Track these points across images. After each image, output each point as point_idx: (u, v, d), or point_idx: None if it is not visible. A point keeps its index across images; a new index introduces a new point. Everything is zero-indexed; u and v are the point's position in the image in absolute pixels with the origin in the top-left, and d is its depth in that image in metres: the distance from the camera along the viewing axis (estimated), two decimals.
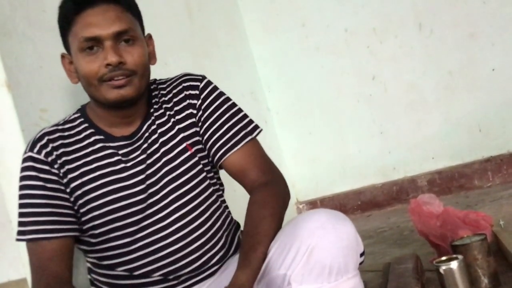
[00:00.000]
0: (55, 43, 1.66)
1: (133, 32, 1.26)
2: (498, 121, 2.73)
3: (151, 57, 1.33)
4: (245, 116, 1.37)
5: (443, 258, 1.46)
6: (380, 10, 2.89)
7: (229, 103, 1.37)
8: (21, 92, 1.56)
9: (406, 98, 2.90)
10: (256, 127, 1.37)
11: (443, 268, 1.41)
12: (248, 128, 1.35)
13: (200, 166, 1.33)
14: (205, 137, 1.34)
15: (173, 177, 1.30)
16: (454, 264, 1.40)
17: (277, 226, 1.23)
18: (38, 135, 1.30)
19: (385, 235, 2.43)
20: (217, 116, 1.34)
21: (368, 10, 2.91)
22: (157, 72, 2.34)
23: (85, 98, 1.43)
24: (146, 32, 1.35)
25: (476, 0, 2.71)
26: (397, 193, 2.92)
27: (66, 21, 1.26)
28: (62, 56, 1.32)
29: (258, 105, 3.06)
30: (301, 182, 3.13)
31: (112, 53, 1.22)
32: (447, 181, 2.80)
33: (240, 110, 1.37)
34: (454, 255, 1.46)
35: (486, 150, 2.76)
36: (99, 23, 1.22)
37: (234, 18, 3.11)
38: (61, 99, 1.67)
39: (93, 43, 1.23)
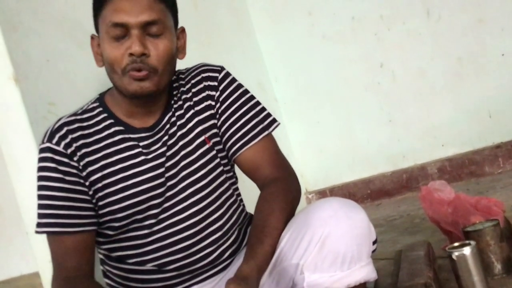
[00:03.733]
0: (61, 36, 1.66)
1: (162, 24, 1.22)
2: (508, 107, 2.70)
3: (179, 51, 1.31)
4: (263, 109, 1.36)
5: (456, 244, 1.44)
6: None
7: (248, 95, 1.35)
8: (28, 85, 1.56)
9: (415, 86, 2.87)
10: (274, 121, 1.35)
11: (456, 254, 1.40)
12: (265, 123, 1.34)
13: (218, 160, 1.32)
14: (222, 130, 1.33)
15: (191, 171, 1.29)
16: (467, 250, 1.39)
17: (286, 220, 1.22)
18: (57, 125, 1.27)
19: (395, 223, 2.42)
20: (235, 109, 1.33)
21: None
22: None
23: (93, 92, 1.42)
24: (184, 27, 1.33)
25: None
26: (407, 181, 2.90)
27: (99, 3, 1.23)
28: (92, 38, 1.29)
29: (266, 95, 3.05)
30: (310, 172, 3.12)
31: (136, 42, 1.19)
32: (457, 168, 2.78)
33: (258, 103, 1.36)
34: (467, 241, 1.45)
35: (496, 136, 2.73)
36: (129, 9, 1.19)
37: (240, 7, 3.09)
38: (69, 92, 1.67)
39: (120, 29, 1.20)
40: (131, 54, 1.20)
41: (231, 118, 1.32)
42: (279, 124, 1.36)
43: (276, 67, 3.13)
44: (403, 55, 2.87)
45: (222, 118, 1.32)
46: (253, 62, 3.08)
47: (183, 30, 1.32)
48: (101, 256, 1.36)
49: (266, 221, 1.20)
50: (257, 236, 1.19)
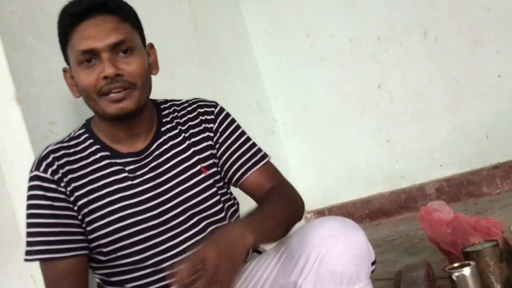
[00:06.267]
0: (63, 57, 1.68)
1: (130, 43, 1.24)
2: (505, 127, 2.73)
3: (152, 67, 1.32)
4: (255, 144, 1.40)
5: (455, 264, 1.45)
6: (384, 19, 2.90)
7: (241, 129, 1.40)
8: (30, 105, 1.57)
9: (412, 106, 2.90)
10: (266, 155, 1.40)
11: (455, 274, 1.40)
12: (262, 152, 1.39)
13: (215, 189, 1.33)
14: (224, 158, 1.35)
15: (187, 197, 1.30)
16: (466, 271, 1.39)
17: (283, 210, 1.21)
18: (44, 153, 1.28)
19: (394, 244, 2.42)
20: (235, 138, 1.36)
21: (373, 19, 2.92)
22: (164, 84, 2.33)
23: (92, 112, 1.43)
24: (152, 43, 1.35)
25: (480, 7, 2.73)
26: (406, 201, 2.90)
27: (65, 35, 1.25)
28: (64, 71, 1.31)
29: (265, 115, 3.07)
30: (308, 191, 3.11)
31: (109, 65, 1.20)
32: (455, 189, 2.79)
33: (250, 138, 1.40)
34: (466, 262, 1.45)
35: (494, 157, 2.75)
36: (95, 35, 1.21)
37: (239, 29, 3.13)
38: (70, 112, 1.68)
39: (90, 56, 1.21)
40: (105, 77, 1.21)
41: (233, 146, 1.35)
42: (270, 157, 1.41)
43: (275, 87, 3.15)
44: (401, 76, 2.90)
45: (223, 147, 1.35)
46: (252, 83, 3.10)
47: (152, 46, 1.34)
48: (98, 281, 1.36)
49: (259, 208, 1.20)
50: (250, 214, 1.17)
